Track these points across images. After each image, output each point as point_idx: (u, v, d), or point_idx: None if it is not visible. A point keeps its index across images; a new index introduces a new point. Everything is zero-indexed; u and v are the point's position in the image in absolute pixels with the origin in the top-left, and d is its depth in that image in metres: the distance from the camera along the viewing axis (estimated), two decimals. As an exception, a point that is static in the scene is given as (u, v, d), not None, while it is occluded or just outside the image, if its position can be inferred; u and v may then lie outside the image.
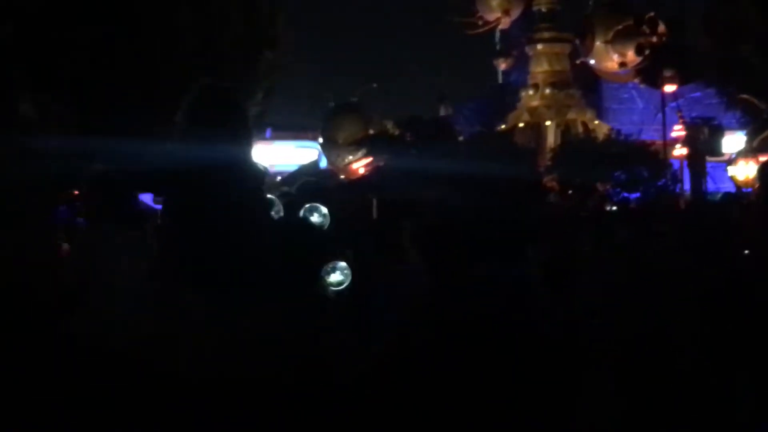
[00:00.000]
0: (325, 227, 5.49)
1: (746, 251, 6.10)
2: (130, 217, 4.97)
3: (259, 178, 3.81)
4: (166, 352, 3.19)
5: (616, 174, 26.34)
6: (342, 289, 5.05)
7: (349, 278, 5.07)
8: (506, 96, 39.01)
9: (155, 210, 5.11)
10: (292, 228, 4.54)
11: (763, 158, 20.37)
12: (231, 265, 3.35)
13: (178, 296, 3.36)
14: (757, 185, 9.84)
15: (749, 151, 27.89)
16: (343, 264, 5.10)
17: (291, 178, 15.75)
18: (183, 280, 3.41)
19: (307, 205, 5.53)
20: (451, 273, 3.38)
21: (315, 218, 5.48)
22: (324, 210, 5.55)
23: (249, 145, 3.71)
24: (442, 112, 39.71)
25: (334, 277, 5.03)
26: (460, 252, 3.41)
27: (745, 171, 27.25)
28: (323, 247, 4.77)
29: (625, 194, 25.21)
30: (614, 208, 18.70)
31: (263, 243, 3.54)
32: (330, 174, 27.76)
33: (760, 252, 5.83)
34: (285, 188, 7.49)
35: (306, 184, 7.12)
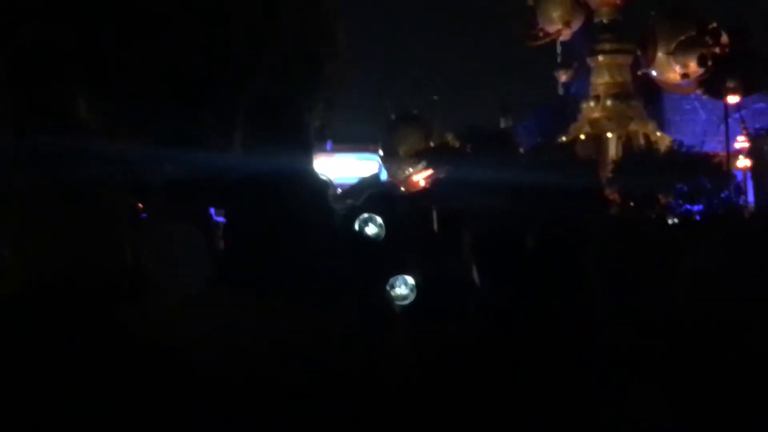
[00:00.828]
0: (381, 238, 5.44)
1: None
2: (195, 222, 5.02)
3: (322, 189, 3.84)
4: (222, 357, 3.24)
5: (678, 186, 26.14)
6: (407, 304, 5.00)
7: (415, 292, 5.02)
8: (567, 107, 38.83)
9: (217, 221, 5.18)
10: (349, 240, 4.54)
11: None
12: (294, 275, 3.39)
13: (241, 304, 3.42)
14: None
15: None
16: (409, 278, 5.04)
17: (352, 190, 15.76)
18: (246, 288, 3.46)
19: (363, 216, 5.45)
20: (510, 283, 3.40)
21: (370, 229, 5.43)
22: (379, 220, 5.48)
23: (310, 156, 3.75)
24: (503, 123, 39.66)
25: (400, 291, 4.97)
26: (520, 262, 3.43)
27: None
28: (381, 259, 4.75)
29: (688, 206, 25.03)
30: (676, 220, 18.57)
31: (327, 254, 3.58)
32: (392, 186, 27.88)
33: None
34: (349, 201, 7.47)
35: (373, 196, 7.08)
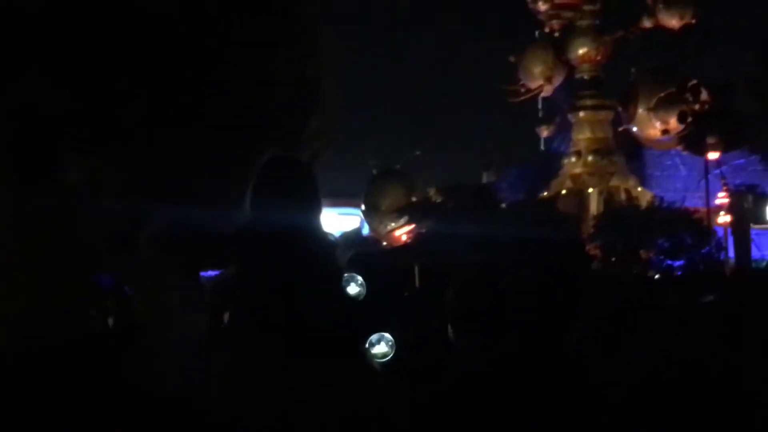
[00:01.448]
0: (361, 297, 5.45)
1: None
2: (190, 276, 5.01)
3: (330, 247, 3.84)
4: (218, 407, 3.23)
5: (659, 241, 26.21)
6: (387, 361, 5.00)
7: (394, 349, 5.03)
8: (549, 163, 38.97)
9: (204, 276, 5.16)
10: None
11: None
12: (296, 330, 3.39)
13: (241, 357, 3.41)
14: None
15: (794, 219, 27.72)
16: (388, 336, 5.05)
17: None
18: (247, 340, 3.46)
19: (344, 275, 5.47)
20: (488, 340, 3.39)
21: (352, 288, 5.45)
22: (360, 279, 5.51)
23: (319, 215, 3.75)
24: (485, 179, 39.77)
25: (379, 349, 4.98)
26: (497, 318, 3.42)
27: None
28: (363, 318, 4.76)
29: (669, 261, 25.10)
30: (657, 276, 18.63)
31: (331, 312, 3.58)
32: (372, 241, 27.86)
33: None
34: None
35: (358, 255, 7.09)
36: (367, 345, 4.83)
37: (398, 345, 5.07)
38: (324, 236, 3.76)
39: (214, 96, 5.57)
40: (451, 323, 4.12)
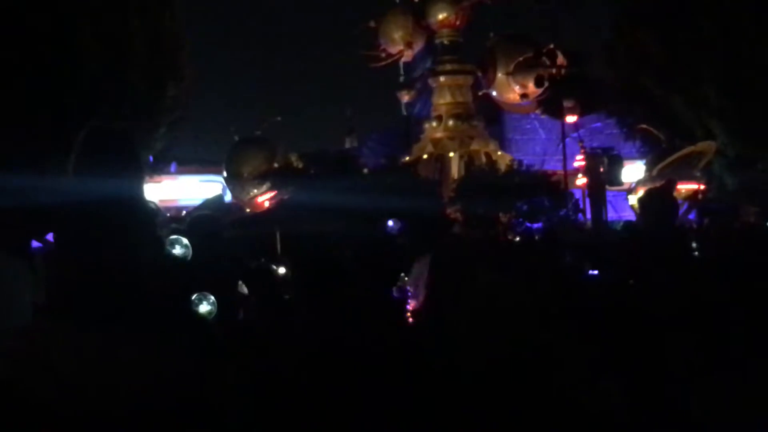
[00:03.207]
0: (188, 258, 5.62)
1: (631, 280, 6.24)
2: (18, 249, 4.94)
3: (150, 216, 3.81)
4: (46, 385, 3.18)
5: (518, 204, 26.58)
6: (212, 319, 5.14)
7: (216, 308, 5.17)
8: (411, 128, 39.15)
9: (42, 244, 5.08)
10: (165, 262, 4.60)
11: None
12: (118, 302, 3.35)
13: (65, 331, 3.35)
14: (640, 214, 10.05)
15: (648, 180, 28.38)
16: (210, 295, 5.20)
17: (192, 213, 15.67)
18: (71, 315, 3.40)
19: (170, 238, 5.64)
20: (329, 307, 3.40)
21: (177, 250, 5.62)
22: (185, 241, 5.67)
23: (139, 184, 3.71)
24: (348, 144, 39.82)
25: (203, 308, 5.15)
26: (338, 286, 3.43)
27: (645, 199, 27.67)
28: (187, 279, 4.86)
29: (528, 224, 25.48)
30: (518, 238, 18.92)
31: (154, 280, 3.55)
32: (232, 208, 27.64)
33: (644, 279, 5.96)
34: (174, 225, 7.50)
35: (198, 218, 7.12)
36: (191, 304, 4.94)
37: (222, 304, 5.21)
38: (144, 204, 3.73)
39: (61, 65, 5.48)
40: (296, 292, 4.13)
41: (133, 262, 3.45)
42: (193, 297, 5.06)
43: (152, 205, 4.00)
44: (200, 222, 6.86)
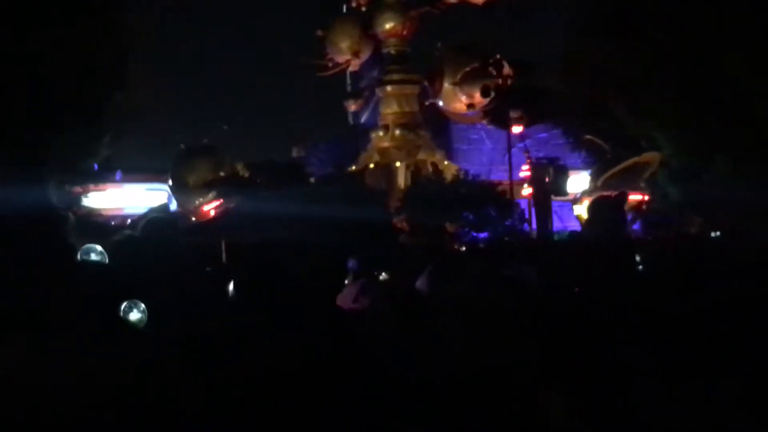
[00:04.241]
0: (105, 262, 5.57)
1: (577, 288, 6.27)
2: None
3: (57, 222, 3.78)
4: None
5: (464, 214, 26.66)
6: (143, 328, 5.08)
7: (146, 315, 5.11)
8: (358, 137, 39.16)
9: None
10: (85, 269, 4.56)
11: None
12: (26, 308, 3.31)
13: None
14: (587, 222, 10.09)
15: (593, 191, 28.58)
16: (140, 303, 5.13)
17: (139, 220, 15.50)
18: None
19: (84, 247, 5.59)
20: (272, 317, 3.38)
21: (93, 257, 5.57)
22: (99, 248, 5.62)
23: (46, 191, 3.68)
24: (295, 154, 39.74)
25: (133, 316, 5.09)
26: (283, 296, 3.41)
27: (589, 210, 27.83)
28: (115, 286, 4.82)
29: (474, 234, 25.57)
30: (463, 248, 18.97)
31: (61, 286, 3.51)
32: (179, 216, 27.47)
33: (590, 288, 6.00)
34: (127, 231, 7.40)
35: (153, 221, 7.02)
36: (121, 313, 4.88)
37: (154, 312, 5.14)
38: (51, 212, 3.70)
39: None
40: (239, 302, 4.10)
41: (29, 270, 3.40)
42: (123, 305, 4.98)
43: (62, 213, 3.97)
44: (155, 226, 6.76)
